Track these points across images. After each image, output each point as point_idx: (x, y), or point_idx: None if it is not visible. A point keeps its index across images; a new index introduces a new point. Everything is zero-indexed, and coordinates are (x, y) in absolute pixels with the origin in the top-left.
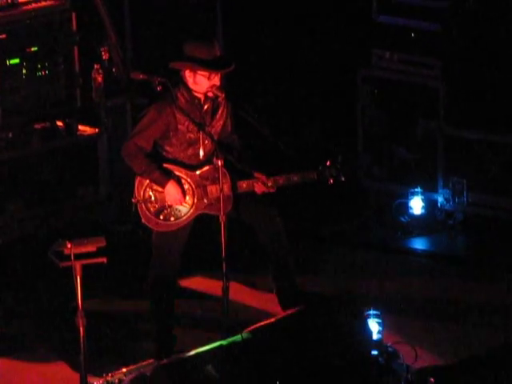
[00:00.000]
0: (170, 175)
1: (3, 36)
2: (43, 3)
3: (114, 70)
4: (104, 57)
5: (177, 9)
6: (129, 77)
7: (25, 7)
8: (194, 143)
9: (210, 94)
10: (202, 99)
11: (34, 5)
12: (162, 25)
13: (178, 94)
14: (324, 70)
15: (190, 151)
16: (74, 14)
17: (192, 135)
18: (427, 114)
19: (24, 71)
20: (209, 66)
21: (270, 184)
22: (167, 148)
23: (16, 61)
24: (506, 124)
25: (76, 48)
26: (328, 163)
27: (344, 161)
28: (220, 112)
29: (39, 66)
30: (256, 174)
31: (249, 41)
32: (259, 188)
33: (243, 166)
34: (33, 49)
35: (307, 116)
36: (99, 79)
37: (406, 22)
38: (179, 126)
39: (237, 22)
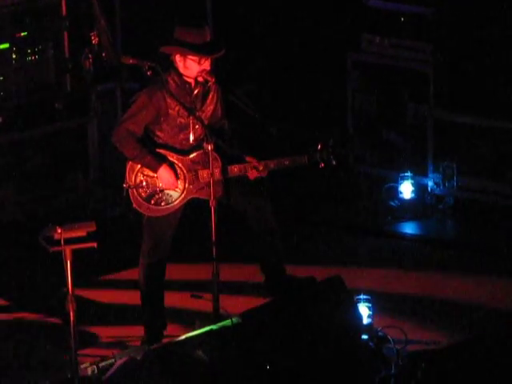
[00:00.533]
0: (162, 159)
1: None
2: None
3: (103, 54)
4: (94, 41)
5: None
6: (119, 61)
7: None
8: (184, 128)
9: (200, 79)
10: (193, 84)
11: None
12: (151, 9)
13: (169, 79)
14: (314, 55)
15: (181, 136)
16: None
17: (183, 120)
18: (417, 98)
19: (13, 56)
20: (199, 50)
21: (260, 168)
22: (158, 133)
23: (5, 46)
24: (496, 108)
25: (65, 33)
26: (319, 147)
27: (335, 145)
28: (210, 97)
29: (29, 51)
30: (247, 158)
31: (238, 25)
32: (251, 173)
33: (234, 151)
34: (22, 34)
35: (297, 101)
36: (89, 64)
37: (396, 7)
38: (170, 111)
39: (226, 5)
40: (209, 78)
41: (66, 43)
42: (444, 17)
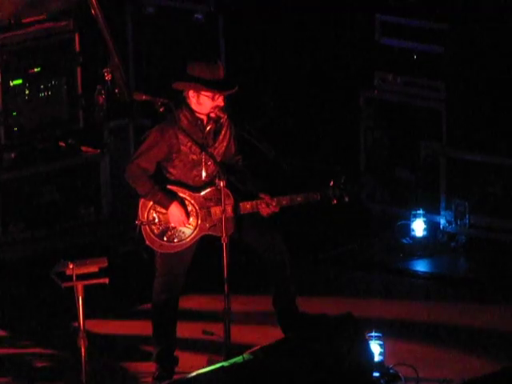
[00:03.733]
0: (173, 197)
1: (6, 56)
2: (46, 24)
3: (116, 91)
4: (107, 78)
5: (179, 29)
6: (131, 98)
7: (28, 28)
8: (197, 165)
9: (212, 115)
10: (205, 120)
11: (37, 26)
12: (164, 46)
13: (181, 115)
14: (327, 92)
15: (193, 173)
16: (77, 35)
17: (195, 156)
18: (430, 135)
19: (27, 92)
20: (213, 86)
21: (273, 204)
22: (170, 170)
23: (19, 81)
24: (509, 146)
25: (79, 69)
26: (331, 184)
27: (347, 181)
28: (223, 133)
29: (42, 86)
30: (261, 195)
31: (250, 61)
32: (264, 209)
33: (247, 187)
34: (36, 69)
35: (310, 138)
36: (102, 100)
37: (409, 45)
38: (182, 148)
39: (239, 42)
40: (221, 115)
41: (79, 79)
42: (457, 54)
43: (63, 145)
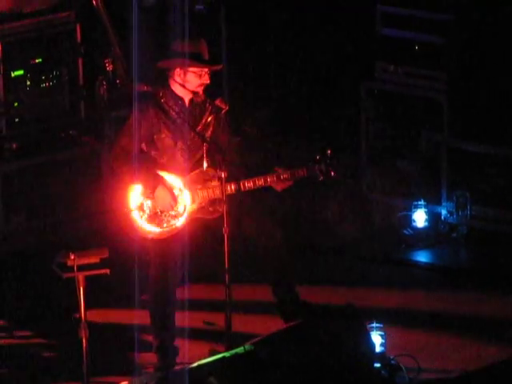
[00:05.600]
0: (158, 180)
1: (7, 47)
2: (48, 15)
3: (117, 81)
4: (108, 68)
5: (181, 20)
6: (133, 89)
7: (29, 19)
8: (179, 147)
9: (197, 99)
10: (187, 102)
11: (38, 17)
12: (166, 37)
13: (163, 96)
14: (328, 83)
15: (177, 155)
16: (78, 26)
17: (176, 138)
18: (431, 126)
19: (28, 83)
20: (201, 61)
21: (260, 180)
22: (153, 153)
23: (20, 72)
24: (511, 137)
25: (80, 60)
26: (317, 158)
27: (333, 156)
28: (206, 117)
29: (43, 77)
30: (275, 168)
31: (252, 53)
32: (276, 184)
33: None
34: (37, 60)
35: (311, 128)
36: (103, 91)
37: (410, 35)
38: (162, 129)
39: (240, 33)
40: (223, 106)
41: (80, 70)
42: (458, 45)
43: (64, 135)
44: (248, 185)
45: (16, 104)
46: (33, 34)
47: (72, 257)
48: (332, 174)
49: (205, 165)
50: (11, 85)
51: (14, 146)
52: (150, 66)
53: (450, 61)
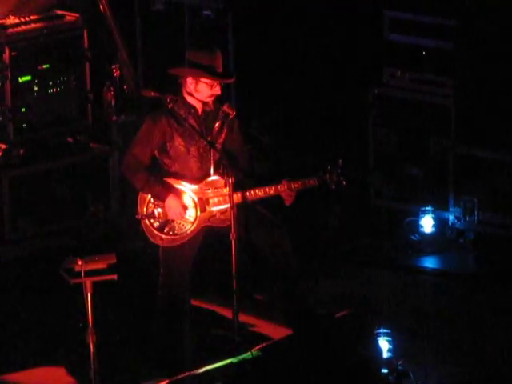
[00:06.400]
0: (170, 189)
1: (15, 53)
2: (55, 21)
3: (125, 87)
4: (115, 74)
5: (188, 26)
6: (140, 94)
7: (37, 24)
8: (192, 155)
9: (207, 108)
10: (199, 110)
11: (45, 22)
12: (173, 42)
13: (174, 104)
14: (335, 88)
15: (189, 163)
16: (85, 32)
17: (189, 146)
18: (439, 132)
19: (35, 88)
20: (214, 74)
21: (273, 189)
22: (166, 161)
23: (28, 78)
24: None
25: (87, 65)
26: (328, 168)
27: (344, 166)
28: (218, 125)
29: (51, 83)
30: (283, 181)
31: (259, 58)
32: (285, 195)
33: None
34: (44, 66)
35: (318, 134)
36: (110, 96)
37: (418, 41)
38: (175, 137)
39: (248, 38)
40: (230, 112)
41: (87, 75)
42: (466, 51)
43: (72, 141)
44: (259, 194)
45: (23, 109)
46: (40, 40)
47: (79, 262)
48: (344, 183)
49: (211, 171)
50: (19, 90)
51: (22, 151)
52: (159, 70)
53: (457, 66)
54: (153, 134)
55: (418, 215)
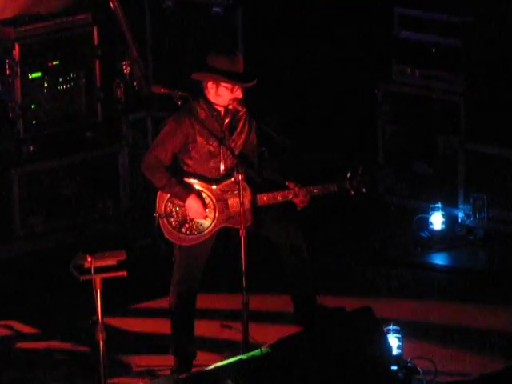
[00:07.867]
0: (190, 189)
1: (25, 50)
2: (65, 18)
3: (135, 83)
4: (125, 71)
5: (198, 22)
6: (150, 91)
7: (46, 21)
8: (214, 156)
9: (230, 107)
10: (222, 112)
11: (55, 19)
12: (183, 39)
13: (198, 106)
14: (345, 86)
15: (210, 164)
16: (95, 28)
17: (212, 148)
18: (448, 129)
19: (45, 85)
20: (233, 78)
21: (291, 194)
22: (187, 161)
23: (37, 74)
24: None
25: (97, 62)
26: (348, 175)
27: (364, 172)
28: (241, 126)
29: (60, 79)
30: (288, 184)
31: (268, 55)
32: (296, 200)
33: (272, 176)
34: (54, 63)
35: (328, 131)
36: (120, 93)
37: (427, 38)
38: (198, 138)
39: (257, 35)
40: (239, 108)
41: (97, 72)
42: (475, 48)
43: (82, 138)
44: (278, 198)
45: (33, 106)
46: (50, 37)
47: (89, 259)
48: (364, 190)
49: (221, 167)
50: (28, 87)
51: (32, 148)
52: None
53: (467, 63)
54: (175, 135)
55: (427, 212)
